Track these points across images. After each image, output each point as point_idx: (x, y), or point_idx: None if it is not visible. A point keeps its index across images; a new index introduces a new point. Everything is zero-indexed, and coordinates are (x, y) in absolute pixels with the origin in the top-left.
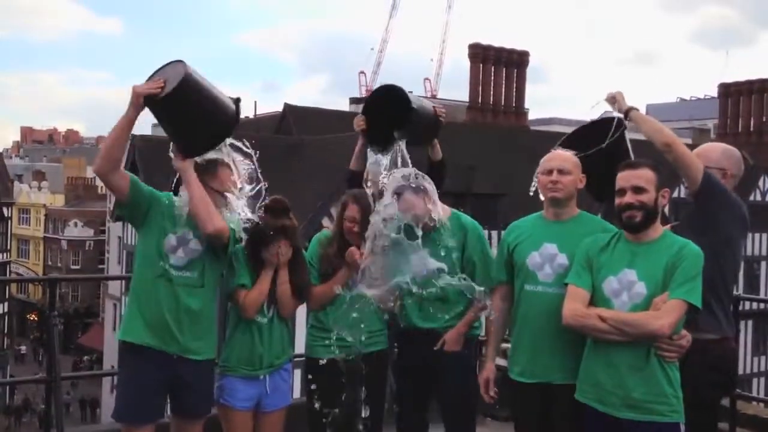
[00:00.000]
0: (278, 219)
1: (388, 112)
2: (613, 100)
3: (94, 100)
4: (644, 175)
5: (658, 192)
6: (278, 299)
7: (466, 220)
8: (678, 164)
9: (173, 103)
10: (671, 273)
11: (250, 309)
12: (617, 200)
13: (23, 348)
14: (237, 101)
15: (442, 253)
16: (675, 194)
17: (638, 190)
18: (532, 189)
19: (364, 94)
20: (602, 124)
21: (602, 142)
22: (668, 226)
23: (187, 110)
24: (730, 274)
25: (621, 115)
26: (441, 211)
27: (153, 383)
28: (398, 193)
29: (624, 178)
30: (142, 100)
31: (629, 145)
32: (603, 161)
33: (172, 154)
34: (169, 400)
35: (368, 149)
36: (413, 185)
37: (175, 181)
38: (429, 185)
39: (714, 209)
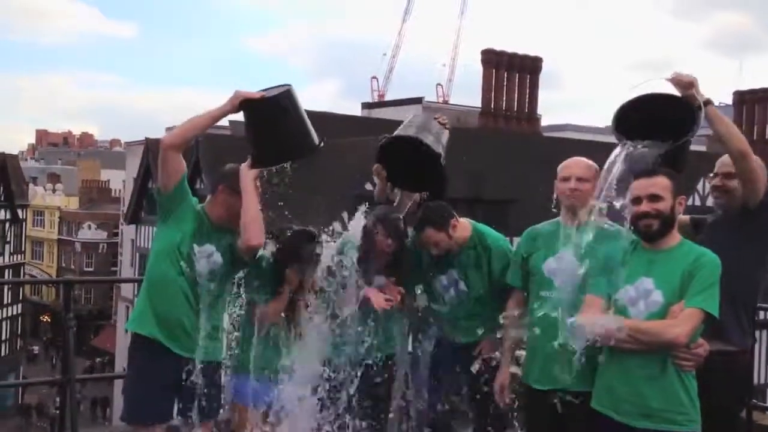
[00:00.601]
0: (310, 245)
1: (407, 153)
2: (689, 85)
3: (108, 102)
4: (660, 183)
5: (675, 200)
6: (298, 318)
7: (488, 236)
8: (746, 175)
9: (265, 112)
10: (688, 281)
11: (266, 324)
12: (633, 208)
13: (36, 348)
14: (322, 141)
15: (466, 274)
16: (690, 201)
17: (654, 198)
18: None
19: (376, 99)
20: (664, 102)
21: (663, 124)
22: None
23: (274, 122)
24: (760, 289)
25: (701, 102)
26: (462, 230)
27: (162, 385)
28: (420, 227)
29: (640, 186)
30: (240, 101)
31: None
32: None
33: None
34: (178, 402)
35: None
36: (430, 218)
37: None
38: (449, 214)
39: (765, 225)
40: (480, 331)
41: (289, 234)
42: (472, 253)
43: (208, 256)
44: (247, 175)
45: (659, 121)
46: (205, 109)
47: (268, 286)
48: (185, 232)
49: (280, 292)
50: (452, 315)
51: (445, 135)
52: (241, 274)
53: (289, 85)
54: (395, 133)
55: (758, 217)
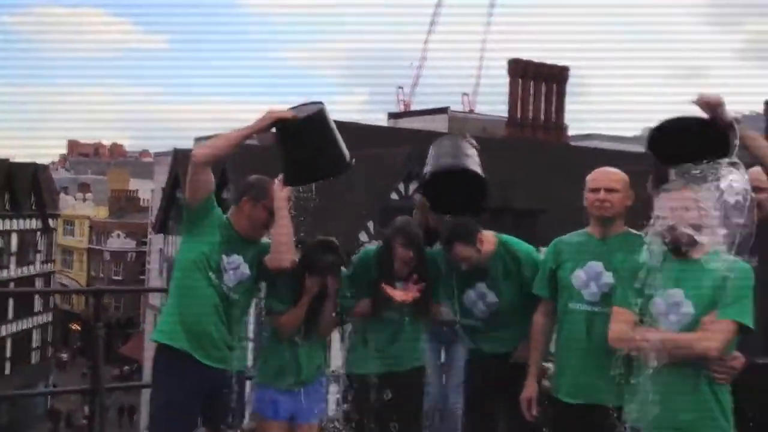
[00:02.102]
0: (329, 255)
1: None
2: (716, 104)
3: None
4: (689, 197)
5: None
6: (322, 327)
7: (515, 244)
8: None
9: (297, 131)
10: (720, 292)
11: (286, 332)
12: (659, 223)
13: (65, 356)
14: (353, 158)
15: (496, 285)
16: None
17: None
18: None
19: (402, 109)
20: (692, 125)
21: (696, 147)
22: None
23: (306, 141)
24: None
25: (736, 124)
26: (486, 243)
27: (187, 397)
28: (449, 244)
29: (671, 199)
30: (272, 120)
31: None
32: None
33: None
34: (202, 413)
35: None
36: (458, 233)
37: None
38: (476, 228)
39: None
40: (514, 343)
41: (309, 244)
42: (500, 264)
43: (235, 268)
44: (280, 195)
45: (693, 144)
46: (238, 122)
47: (287, 295)
48: (213, 243)
49: (298, 302)
50: (486, 328)
51: (476, 156)
52: (263, 283)
53: (322, 103)
54: (431, 166)
55: None
